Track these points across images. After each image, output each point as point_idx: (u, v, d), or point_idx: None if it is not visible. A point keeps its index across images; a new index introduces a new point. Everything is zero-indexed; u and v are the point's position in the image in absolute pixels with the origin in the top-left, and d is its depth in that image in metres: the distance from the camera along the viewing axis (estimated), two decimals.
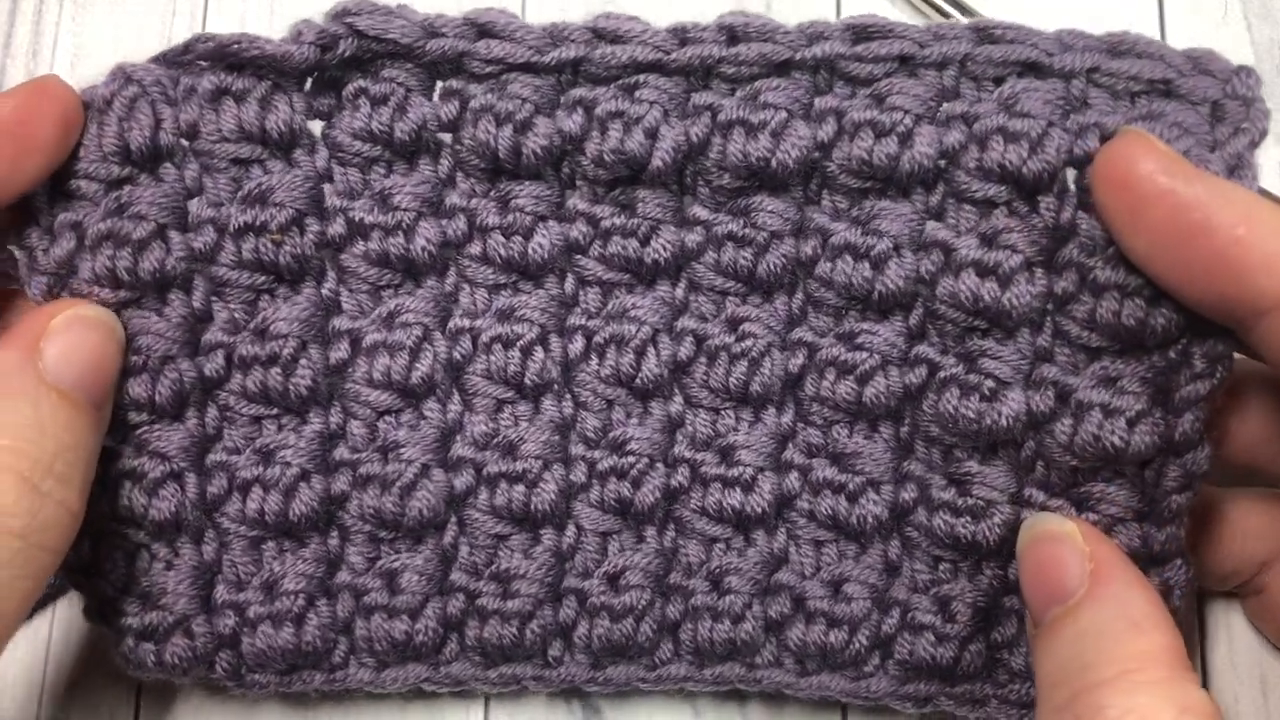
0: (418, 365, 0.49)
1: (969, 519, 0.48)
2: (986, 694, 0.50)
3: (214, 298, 0.48)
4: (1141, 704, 0.40)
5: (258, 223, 0.47)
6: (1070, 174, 0.45)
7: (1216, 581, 0.53)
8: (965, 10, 0.59)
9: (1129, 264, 0.44)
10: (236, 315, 0.48)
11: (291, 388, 0.48)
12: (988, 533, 0.48)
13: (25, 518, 0.41)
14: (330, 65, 0.46)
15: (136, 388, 0.47)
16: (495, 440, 0.49)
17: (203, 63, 0.46)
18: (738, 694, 0.55)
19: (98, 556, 0.48)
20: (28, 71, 0.62)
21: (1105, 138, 0.44)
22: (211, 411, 0.49)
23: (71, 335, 0.44)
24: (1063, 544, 0.45)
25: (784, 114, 0.46)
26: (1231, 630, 0.56)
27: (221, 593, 0.49)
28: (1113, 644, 0.42)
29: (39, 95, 0.45)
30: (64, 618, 0.56)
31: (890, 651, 0.50)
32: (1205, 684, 0.55)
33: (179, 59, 0.46)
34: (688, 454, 0.50)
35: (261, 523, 0.49)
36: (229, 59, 0.46)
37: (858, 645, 0.49)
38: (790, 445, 0.50)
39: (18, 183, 0.44)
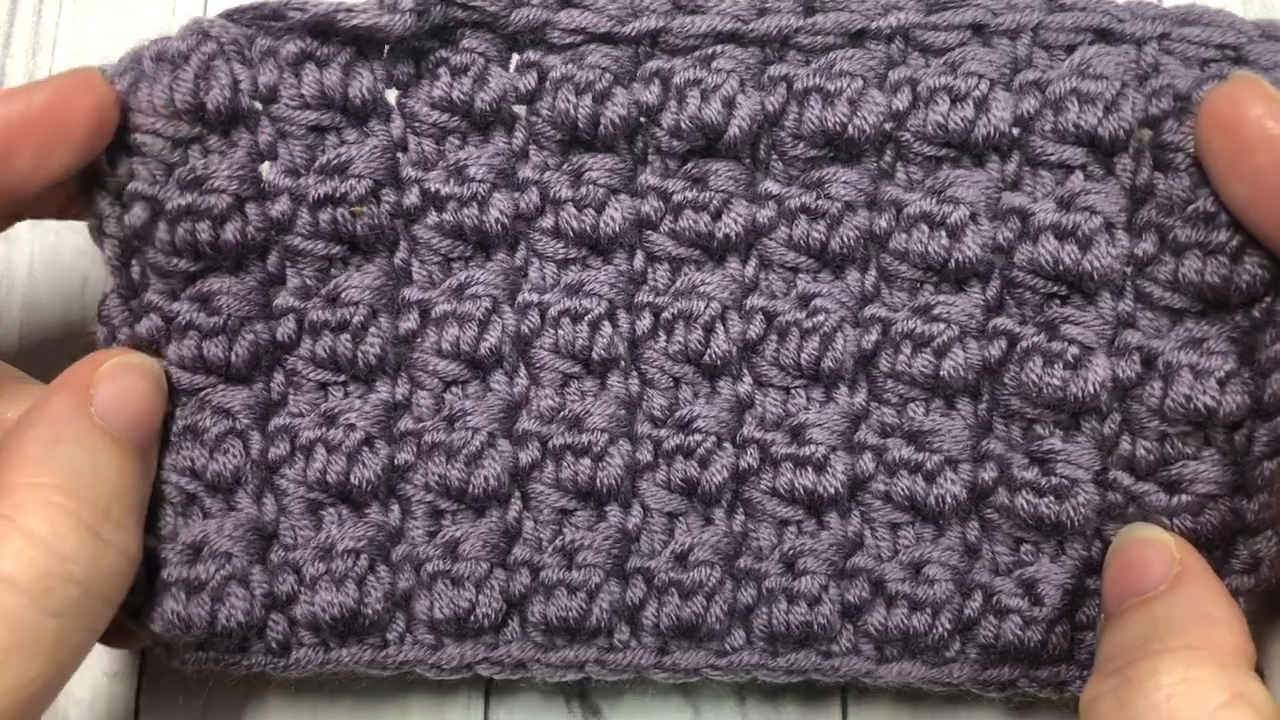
0: (486, 336, 0.48)
1: (1053, 499, 0.46)
2: (1072, 675, 0.48)
3: (287, 264, 0.48)
4: (1198, 676, 0.38)
5: (337, 194, 0.46)
6: (1146, 135, 0.45)
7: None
8: None
9: (1209, 221, 0.44)
10: (309, 282, 0.48)
11: (360, 355, 0.47)
12: (1072, 513, 0.46)
13: (87, 565, 0.40)
14: (419, 33, 0.46)
15: (213, 349, 0.46)
16: (561, 414, 0.48)
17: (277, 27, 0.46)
18: (738, 693, 0.53)
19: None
20: (27, 71, 0.61)
21: (1179, 99, 0.44)
22: (278, 377, 0.48)
23: (121, 381, 0.44)
24: (1154, 547, 0.44)
25: (860, 81, 0.46)
26: None
27: (279, 553, 0.48)
28: (1181, 628, 0.40)
29: (74, 87, 0.43)
30: None
31: (972, 635, 0.48)
32: None
33: (264, 23, 0.46)
34: (757, 434, 0.48)
35: (323, 485, 0.47)
36: (324, 28, 0.46)
37: (941, 629, 0.47)
38: (863, 425, 0.49)
39: (42, 176, 0.43)
